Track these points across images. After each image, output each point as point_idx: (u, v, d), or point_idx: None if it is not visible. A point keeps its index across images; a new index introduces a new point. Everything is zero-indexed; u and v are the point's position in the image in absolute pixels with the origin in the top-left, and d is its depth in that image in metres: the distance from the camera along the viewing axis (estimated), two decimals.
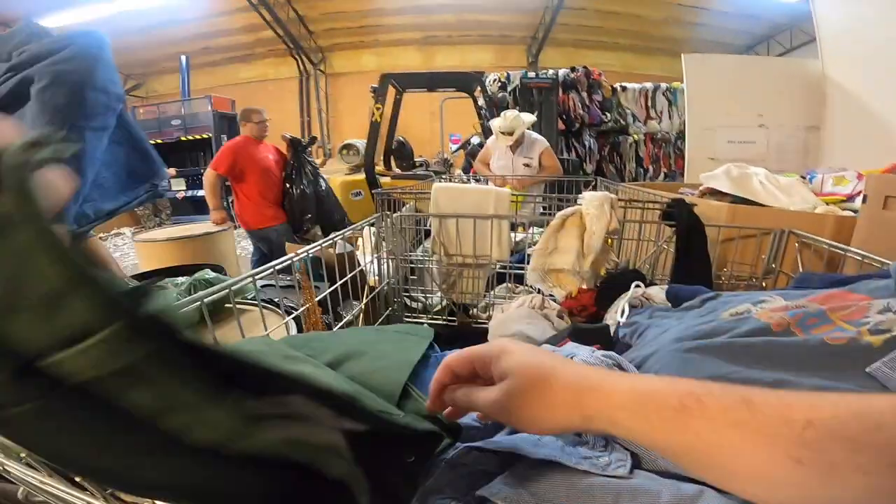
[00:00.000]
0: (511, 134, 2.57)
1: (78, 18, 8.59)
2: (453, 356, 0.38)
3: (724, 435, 0.26)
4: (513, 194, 1.10)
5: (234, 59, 10.71)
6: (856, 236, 1.13)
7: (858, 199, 1.38)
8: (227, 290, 0.63)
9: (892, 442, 0.22)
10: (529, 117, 2.72)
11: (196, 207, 7.98)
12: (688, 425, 0.27)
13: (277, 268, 0.75)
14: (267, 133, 3.05)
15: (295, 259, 0.79)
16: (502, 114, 2.67)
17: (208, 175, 2.93)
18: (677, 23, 9.35)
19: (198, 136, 8.12)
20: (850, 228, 1.18)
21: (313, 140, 3.50)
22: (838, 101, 3.16)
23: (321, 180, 3.20)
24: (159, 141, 8.20)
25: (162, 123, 8.25)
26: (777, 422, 0.25)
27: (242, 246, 4.58)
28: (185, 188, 8.04)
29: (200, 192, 8.00)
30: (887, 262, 0.75)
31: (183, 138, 8.16)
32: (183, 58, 8.93)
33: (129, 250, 5.62)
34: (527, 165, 2.66)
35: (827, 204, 1.49)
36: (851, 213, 1.31)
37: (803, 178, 1.69)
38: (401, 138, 5.43)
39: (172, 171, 7.66)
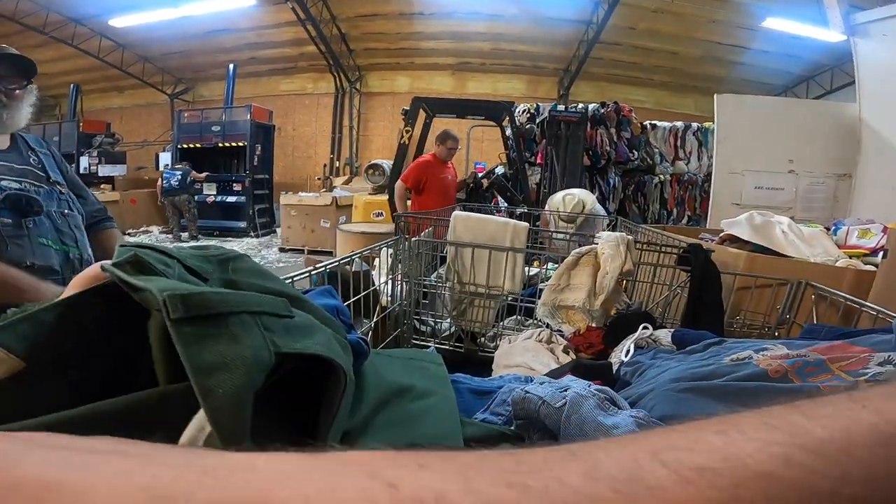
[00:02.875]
0: (573, 222, 2.09)
1: (144, 20, 9.08)
2: None
3: None
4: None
5: (276, 70, 11.17)
6: (873, 291, 1.12)
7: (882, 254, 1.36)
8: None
9: None
10: (589, 197, 2.21)
11: (224, 212, 8.20)
12: None
13: (297, 279, 0.79)
14: (452, 158, 3.50)
15: (312, 272, 0.83)
16: (561, 197, 2.20)
17: (399, 187, 3.44)
18: (715, 61, 9.29)
19: (234, 144, 8.41)
20: (870, 283, 1.17)
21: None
22: (873, 148, 3.06)
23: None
24: (198, 145, 8.52)
25: (203, 128, 8.60)
26: None
27: None
28: (215, 193, 8.31)
29: (230, 198, 8.22)
30: None
31: (221, 144, 8.47)
32: (231, 66, 9.34)
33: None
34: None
35: (850, 257, 1.47)
36: (873, 268, 1.29)
37: (827, 229, 1.67)
38: None
39: (202, 175, 7.96)
